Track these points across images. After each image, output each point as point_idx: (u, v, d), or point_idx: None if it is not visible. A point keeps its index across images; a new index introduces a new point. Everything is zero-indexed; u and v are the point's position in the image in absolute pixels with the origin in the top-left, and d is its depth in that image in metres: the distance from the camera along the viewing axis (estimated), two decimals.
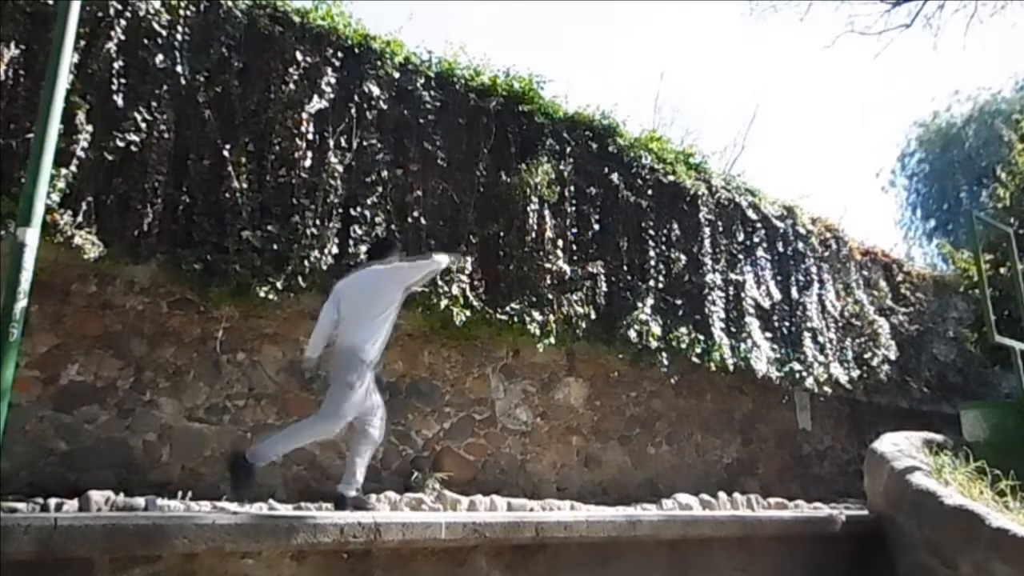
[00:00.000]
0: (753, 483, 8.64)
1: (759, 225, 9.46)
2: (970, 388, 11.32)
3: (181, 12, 5.77)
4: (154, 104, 5.54)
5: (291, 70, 6.20)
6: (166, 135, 5.59)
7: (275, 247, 5.83)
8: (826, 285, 10.04)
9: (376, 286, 4.55)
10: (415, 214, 6.67)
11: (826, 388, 9.38)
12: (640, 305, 7.78)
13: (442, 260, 4.69)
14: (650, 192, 8.31)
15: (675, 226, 8.47)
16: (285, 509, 4.99)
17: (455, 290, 6.58)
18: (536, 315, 7.00)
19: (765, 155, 29.12)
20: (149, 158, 5.49)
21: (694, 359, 8.11)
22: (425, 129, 6.89)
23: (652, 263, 8.10)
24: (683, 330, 8.04)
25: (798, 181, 33.61)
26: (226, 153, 5.80)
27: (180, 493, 5.16)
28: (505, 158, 7.35)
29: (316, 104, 6.24)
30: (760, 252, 9.36)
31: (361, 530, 3.43)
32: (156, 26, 5.62)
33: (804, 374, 9.10)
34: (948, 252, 11.66)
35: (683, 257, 8.39)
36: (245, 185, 5.84)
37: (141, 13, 5.57)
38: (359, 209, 6.33)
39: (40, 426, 5.18)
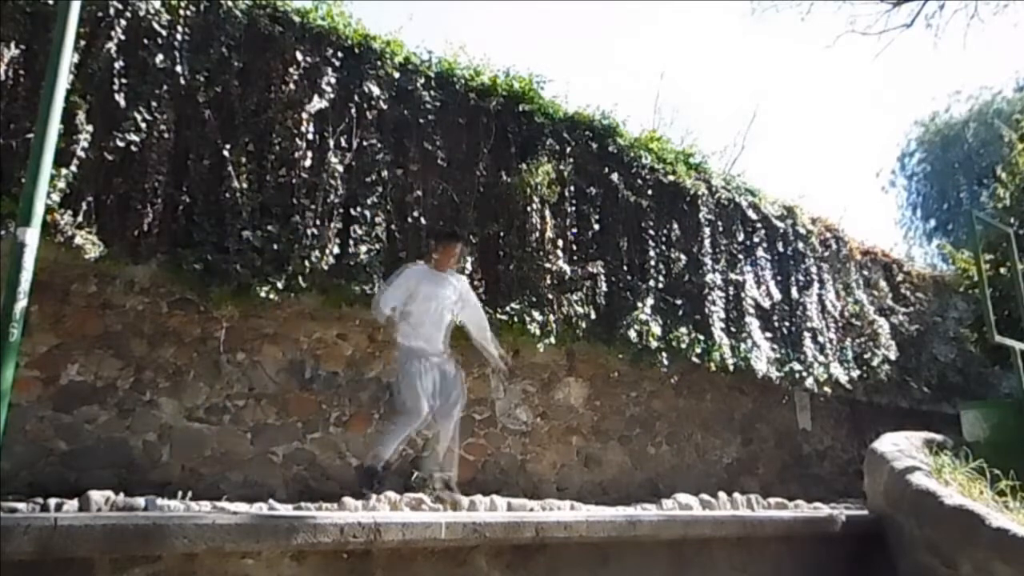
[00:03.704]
0: (753, 483, 8.64)
1: (759, 225, 9.46)
2: (970, 388, 11.32)
3: (181, 12, 5.77)
4: (154, 104, 5.54)
5: (291, 70, 6.20)
6: (166, 135, 5.59)
7: (275, 247, 5.83)
8: (826, 285, 10.04)
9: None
10: (415, 214, 6.67)
11: (826, 388, 9.38)
12: (640, 305, 7.78)
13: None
14: (650, 192, 8.31)
15: (675, 226, 8.47)
16: (285, 509, 4.99)
17: None
18: (536, 315, 7.00)
19: (765, 155, 29.19)
20: (149, 158, 5.49)
21: (694, 359, 8.11)
22: (425, 129, 6.89)
23: (652, 263, 8.09)
24: (683, 330, 8.04)
25: (798, 181, 33.66)
26: (226, 153, 5.80)
27: (180, 493, 5.16)
28: (505, 158, 7.35)
29: (316, 104, 6.24)
30: (760, 252, 9.36)
31: (361, 530, 3.42)
32: (156, 26, 5.62)
33: (804, 374, 9.10)
34: (948, 252, 11.66)
35: (683, 257, 8.39)
36: (245, 185, 5.84)
37: (141, 13, 5.57)
38: (359, 209, 6.33)
39: (40, 426, 5.18)
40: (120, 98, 5.39)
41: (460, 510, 4.82)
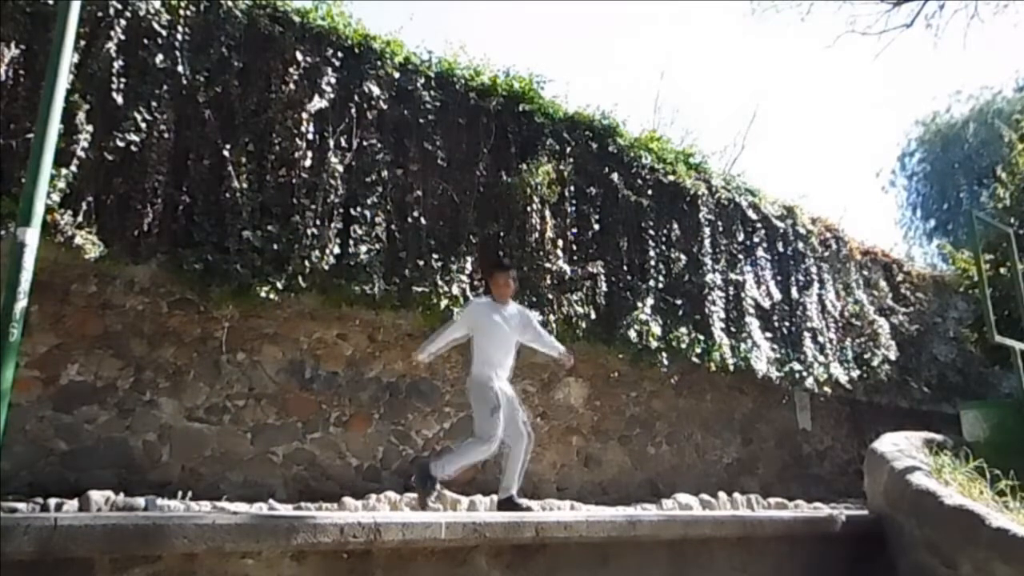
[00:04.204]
0: (753, 483, 8.64)
1: (759, 225, 9.46)
2: (970, 388, 11.33)
3: (181, 12, 5.77)
4: (154, 104, 5.54)
5: (291, 70, 6.20)
6: (166, 135, 5.59)
7: (275, 247, 5.83)
8: (826, 285, 10.05)
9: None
10: (415, 214, 6.67)
11: (826, 388, 9.38)
12: (640, 305, 7.78)
13: None
14: (650, 192, 8.31)
15: (675, 226, 8.48)
16: (285, 509, 4.99)
17: (455, 290, 6.58)
18: (536, 315, 6.99)
19: (765, 155, 29.18)
20: (149, 158, 5.49)
21: (694, 359, 8.11)
22: (425, 129, 6.89)
23: (652, 263, 8.09)
24: (683, 330, 8.04)
25: (798, 181, 33.65)
26: (226, 153, 5.80)
27: (180, 493, 5.17)
28: (505, 158, 7.35)
29: (316, 104, 6.24)
30: (760, 252, 9.37)
31: (361, 530, 3.42)
32: (156, 26, 5.62)
33: (804, 374, 9.10)
34: (948, 252, 11.67)
35: (683, 257, 8.39)
36: (245, 185, 5.84)
37: (141, 13, 5.57)
38: (359, 209, 6.33)
39: (40, 426, 5.18)
40: (120, 98, 5.39)
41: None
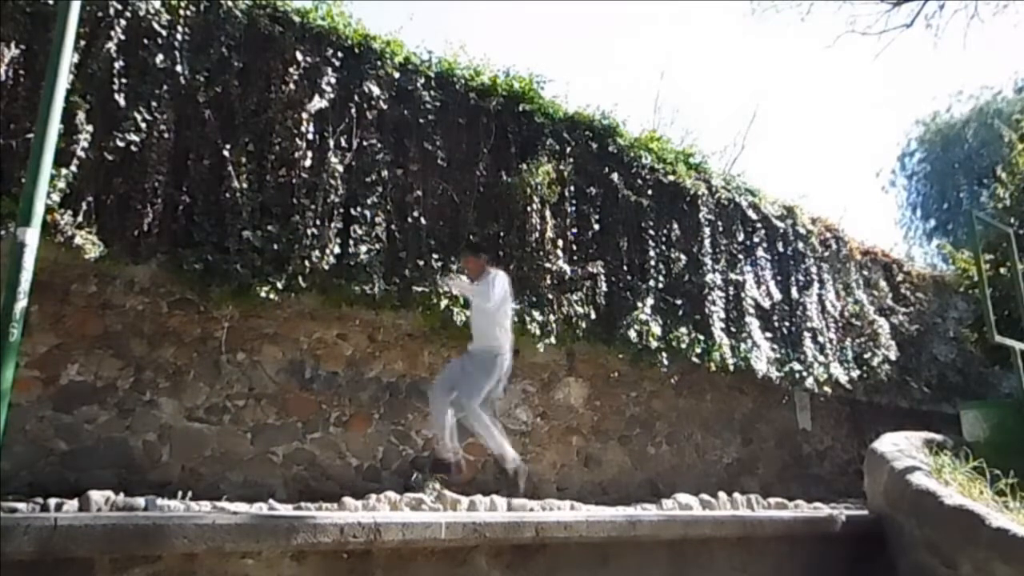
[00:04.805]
0: (753, 483, 8.64)
1: (759, 225, 9.45)
2: (970, 388, 11.33)
3: (181, 12, 5.77)
4: (154, 104, 5.54)
5: (291, 70, 6.20)
6: (166, 135, 5.58)
7: (275, 247, 5.83)
8: (826, 285, 10.04)
9: None
10: (415, 214, 6.67)
11: (826, 388, 9.38)
12: (640, 305, 7.78)
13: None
14: (650, 192, 8.31)
15: (675, 226, 8.47)
16: (285, 509, 4.99)
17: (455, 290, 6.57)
18: (536, 315, 6.99)
19: (765, 155, 29.17)
20: (149, 158, 5.48)
21: (694, 359, 8.11)
22: (425, 129, 6.89)
23: (652, 263, 8.09)
24: (683, 330, 8.04)
25: (798, 181, 33.65)
26: (226, 153, 5.80)
27: (180, 493, 5.16)
28: (505, 158, 7.35)
29: (316, 104, 6.24)
30: (760, 252, 9.36)
31: (361, 530, 3.43)
32: (156, 26, 5.62)
33: (804, 374, 9.10)
34: (948, 252, 11.68)
35: (683, 257, 8.39)
36: (245, 185, 5.84)
37: (141, 13, 5.57)
38: (359, 209, 6.33)
39: (40, 426, 5.18)
40: (120, 98, 5.39)
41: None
